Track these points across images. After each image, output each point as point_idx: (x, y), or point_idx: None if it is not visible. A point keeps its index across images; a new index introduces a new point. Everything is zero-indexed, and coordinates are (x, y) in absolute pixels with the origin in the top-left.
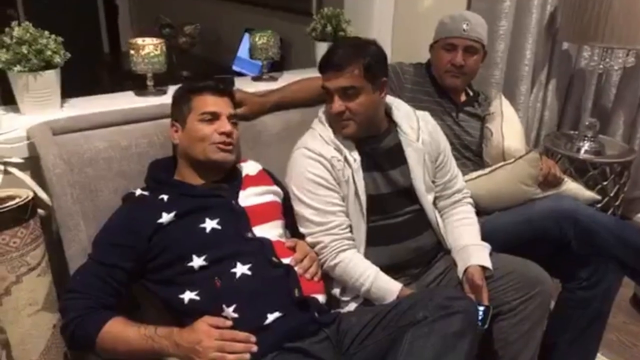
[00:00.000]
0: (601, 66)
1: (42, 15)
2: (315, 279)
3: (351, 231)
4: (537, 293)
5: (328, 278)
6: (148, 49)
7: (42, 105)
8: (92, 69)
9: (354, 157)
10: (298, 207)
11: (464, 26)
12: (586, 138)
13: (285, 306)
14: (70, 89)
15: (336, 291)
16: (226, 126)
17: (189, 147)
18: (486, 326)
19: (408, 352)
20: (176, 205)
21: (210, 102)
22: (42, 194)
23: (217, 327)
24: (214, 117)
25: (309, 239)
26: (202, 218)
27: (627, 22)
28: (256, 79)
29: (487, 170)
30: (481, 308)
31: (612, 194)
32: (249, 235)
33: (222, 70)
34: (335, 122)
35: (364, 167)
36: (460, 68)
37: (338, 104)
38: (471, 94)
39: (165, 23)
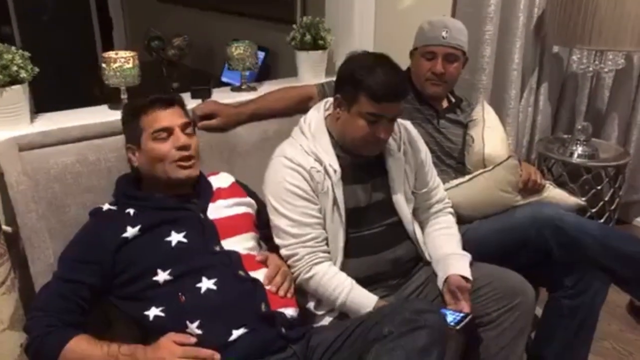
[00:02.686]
0: (591, 69)
1: (37, 31)
2: (289, 295)
3: (327, 244)
4: (518, 304)
5: (302, 291)
6: (119, 62)
7: (10, 121)
8: (85, 81)
9: (335, 168)
10: (274, 218)
11: (443, 34)
12: (579, 142)
13: (251, 322)
14: (62, 102)
15: (310, 305)
16: (181, 138)
17: (150, 168)
18: (458, 327)
19: None
20: (142, 219)
21: (160, 118)
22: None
23: (182, 344)
24: (168, 132)
25: (283, 251)
26: (167, 232)
27: (615, 24)
28: (235, 89)
29: (467, 177)
30: (461, 314)
31: (607, 198)
32: (217, 248)
33: (211, 82)
34: (373, 145)
35: (344, 179)
36: (441, 76)
37: (388, 130)
38: (453, 100)
39: (155, 35)
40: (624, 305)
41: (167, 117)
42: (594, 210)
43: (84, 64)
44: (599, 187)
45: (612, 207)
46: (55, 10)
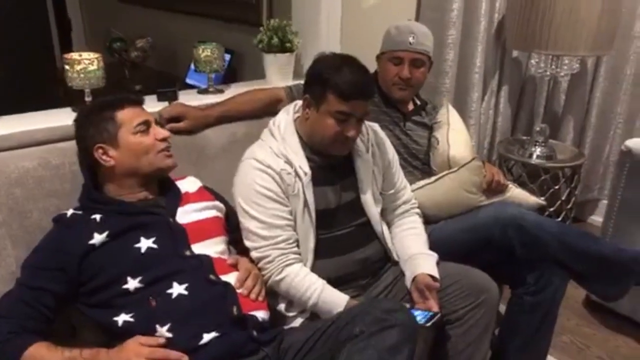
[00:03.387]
0: (548, 73)
1: None
2: (260, 298)
3: (298, 245)
4: (483, 301)
5: (273, 293)
6: (83, 63)
7: None
8: (43, 84)
9: (305, 170)
10: (244, 220)
11: (410, 39)
12: (537, 143)
13: (222, 325)
14: (19, 104)
15: (281, 307)
16: (163, 131)
17: (134, 162)
18: (428, 324)
19: None
20: (109, 224)
21: (137, 112)
22: None
23: (149, 346)
24: (147, 125)
25: (254, 253)
26: (136, 237)
27: (569, 30)
28: (202, 91)
29: (433, 179)
30: (430, 312)
31: (564, 198)
32: (187, 253)
33: (175, 84)
34: (342, 144)
35: (314, 181)
36: (408, 81)
37: (356, 129)
38: (418, 103)
39: (117, 37)
40: (581, 300)
41: (143, 112)
42: (552, 209)
43: (41, 66)
44: (556, 187)
45: (569, 206)
46: (9, 10)
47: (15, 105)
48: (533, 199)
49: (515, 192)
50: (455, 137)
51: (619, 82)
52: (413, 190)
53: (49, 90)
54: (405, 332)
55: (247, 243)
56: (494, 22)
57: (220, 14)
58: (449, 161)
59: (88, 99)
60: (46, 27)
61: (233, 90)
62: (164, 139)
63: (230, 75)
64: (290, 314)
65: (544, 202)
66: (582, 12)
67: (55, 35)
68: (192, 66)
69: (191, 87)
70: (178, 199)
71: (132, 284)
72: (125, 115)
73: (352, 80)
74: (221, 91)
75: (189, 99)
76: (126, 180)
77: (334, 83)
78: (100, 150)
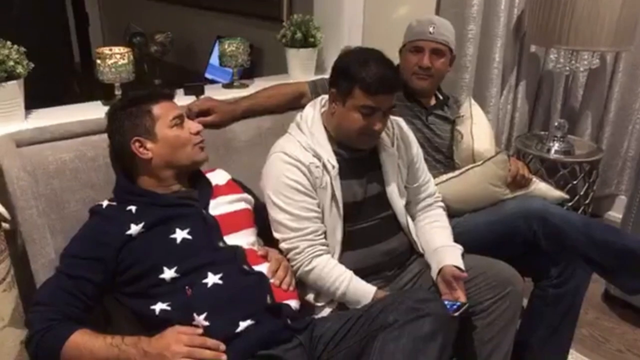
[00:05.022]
0: (567, 68)
1: (8, 24)
2: (291, 288)
3: (325, 237)
4: (508, 293)
5: (302, 283)
6: (115, 57)
7: (5, 117)
8: (61, 78)
9: (333, 163)
10: (273, 212)
11: (430, 29)
12: (556, 138)
13: (257, 314)
14: (38, 99)
15: (310, 297)
16: (197, 125)
17: (171, 155)
18: (456, 314)
19: (379, 356)
20: (145, 215)
21: (172, 106)
22: (1, 208)
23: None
24: (181, 120)
25: (283, 245)
26: (172, 228)
27: (590, 25)
28: (227, 86)
29: (457, 172)
30: (458, 303)
31: (582, 193)
32: (221, 244)
33: (194, 78)
34: (368, 137)
35: (341, 175)
36: (427, 70)
37: (382, 122)
38: (440, 97)
39: (136, 32)
40: (599, 294)
41: (176, 106)
42: (570, 204)
43: (59, 60)
44: (574, 182)
45: (587, 202)
46: (27, 4)
47: (33, 98)
48: (557, 193)
49: (540, 186)
50: (479, 131)
51: (637, 78)
52: (437, 184)
53: (67, 84)
54: (439, 321)
55: (276, 235)
56: (513, 17)
57: (239, 9)
58: (473, 155)
59: (118, 92)
60: (64, 21)
61: (257, 85)
62: (197, 133)
63: (248, 70)
64: (319, 304)
65: (567, 196)
66: (602, 8)
67: (73, 29)
68: (211, 60)
69: (210, 81)
70: (210, 191)
71: (168, 273)
72: (161, 109)
73: (378, 74)
74: (245, 85)
75: (214, 93)
76: (162, 173)
77: (361, 78)
78: (138, 143)
